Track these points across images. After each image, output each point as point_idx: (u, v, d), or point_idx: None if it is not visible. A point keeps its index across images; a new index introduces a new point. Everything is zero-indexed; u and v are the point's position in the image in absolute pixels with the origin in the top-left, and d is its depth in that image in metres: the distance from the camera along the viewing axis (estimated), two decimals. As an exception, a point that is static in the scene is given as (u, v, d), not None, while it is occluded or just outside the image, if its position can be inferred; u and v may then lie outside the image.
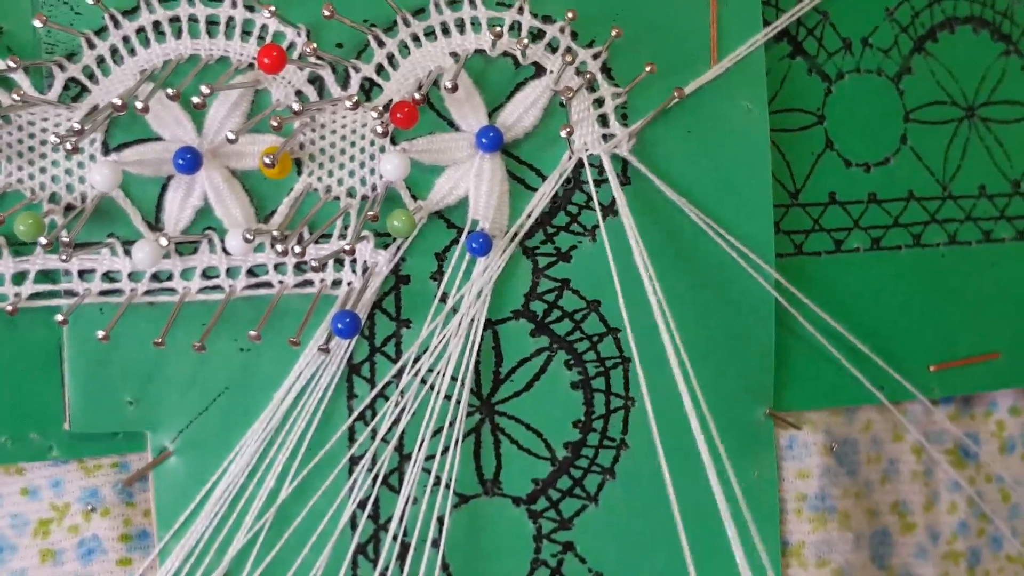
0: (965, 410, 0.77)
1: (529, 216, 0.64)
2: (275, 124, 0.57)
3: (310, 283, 0.61)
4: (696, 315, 0.66)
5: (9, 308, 0.57)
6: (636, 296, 0.65)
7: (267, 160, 0.56)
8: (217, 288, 0.60)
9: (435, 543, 0.63)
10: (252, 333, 0.58)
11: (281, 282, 0.61)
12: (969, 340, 0.75)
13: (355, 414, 0.62)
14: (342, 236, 0.61)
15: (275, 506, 0.61)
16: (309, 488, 0.61)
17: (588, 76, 0.62)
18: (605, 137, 0.64)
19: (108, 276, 0.59)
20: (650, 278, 0.62)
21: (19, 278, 0.58)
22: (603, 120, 0.64)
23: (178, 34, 0.59)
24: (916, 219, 0.73)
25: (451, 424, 0.63)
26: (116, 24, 0.58)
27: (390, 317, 0.62)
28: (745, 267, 0.66)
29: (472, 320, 0.63)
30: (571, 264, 0.65)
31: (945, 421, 0.75)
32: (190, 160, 0.57)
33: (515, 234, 0.63)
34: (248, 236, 0.58)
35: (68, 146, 0.55)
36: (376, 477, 0.62)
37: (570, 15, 0.62)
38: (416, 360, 0.63)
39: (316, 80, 0.61)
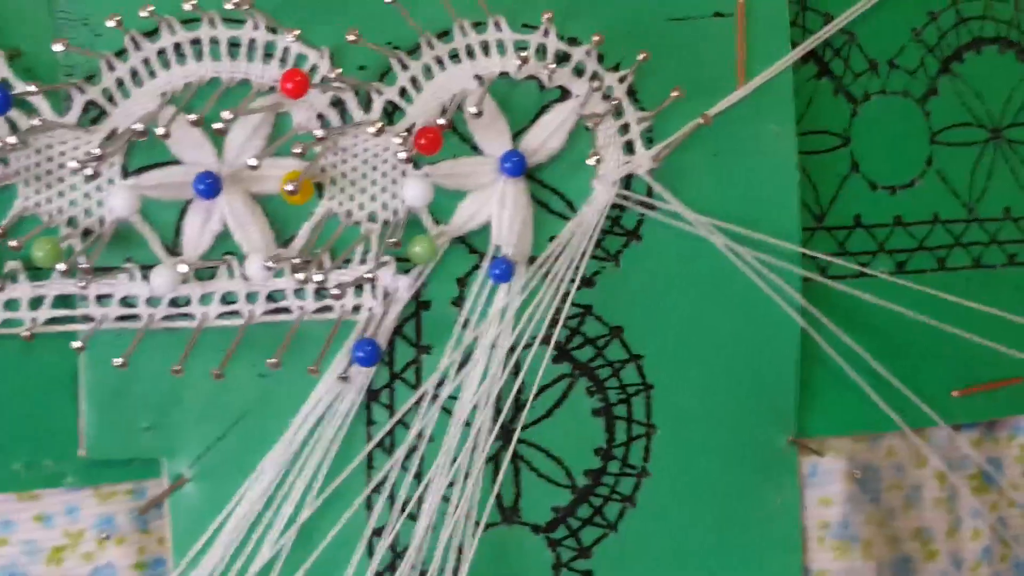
0: (988, 435, 0.76)
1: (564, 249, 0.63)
2: (298, 150, 0.56)
3: (330, 309, 0.60)
4: (720, 340, 0.65)
5: (26, 333, 0.57)
6: (659, 323, 0.64)
7: (290, 187, 0.56)
8: (236, 314, 0.60)
9: (455, 572, 0.62)
10: (271, 360, 0.58)
11: (301, 308, 0.60)
12: (992, 364, 0.74)
13: (374, 441, 0.61)
14: (363, 261, 0.60)
15: (292, 533, 0.60)
16: (327, 516, 0.61)
17: (614, 103, 0.61)
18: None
19: (126, 301, 0.58)
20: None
21: (36, 303, 0.57)
22: (629, 146, 0.63)
23: (199, 56, 0.58)
24: (941, 243, 0.73)
25: (471, 451, 0.62)
26: (136, 46, 0.58)
27: (410, 343, 0.62)
28: (770, 292, 0.65)
29: (493, 346, 0.62)
30: (594, 290, 0.64)
31: (967, 446, 0.74)
32: (210, 185, 0.56)
33: (539, 262, 0.63)
34: (270, 264, 0.57)
35: (88, 171, 0.54)
36: (395, 505, 0.62)
37: (596, 38, 0.61)
38: (436, 387, 0.62)
39: (338, 103, 0.60)
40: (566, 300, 0.63)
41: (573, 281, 0.63)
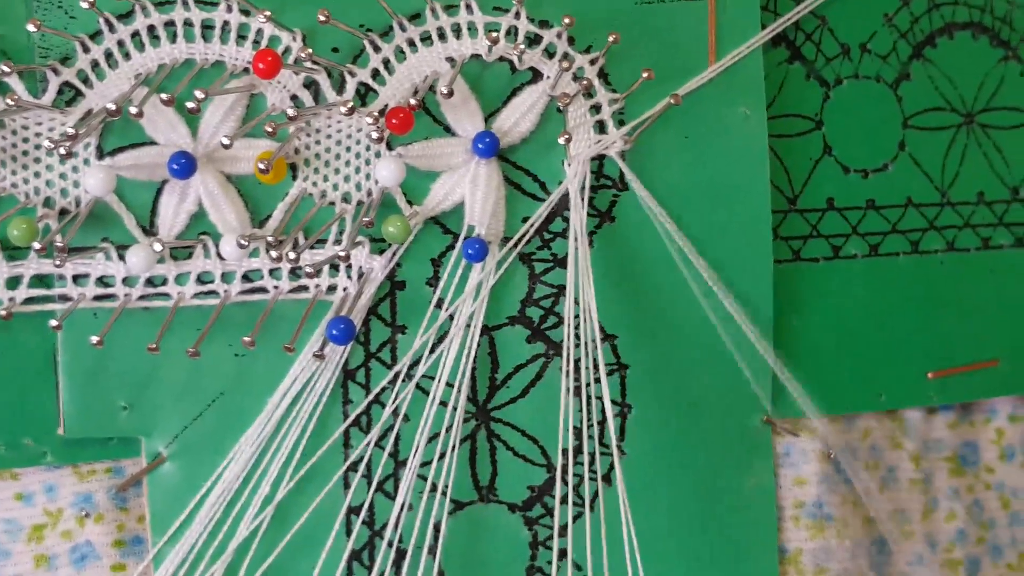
0: (964, 417, 0.76)
1: (531, 225, 0.64)
2: (270, 129, 0.57)
3: (305, 288, 0.61)
4: (694, 320, 0.66)
5: (3, 313, 0.57)
6: (633, 303, 0.64)
7: (262, 165, 0.56)
8: (212, 293, 0.60)
9: (431, 550, 0.62)
10: (247, 339, 0.58)
11: (276, 287, 0.61)
12: (968, 347, 0.74)
13: (350, 420, 0.62)
14: (337, 241, 0.61)
15: (269, 512, 0.60)
16: (304, 494, 0.61)
17: (585, 82, 0.62)
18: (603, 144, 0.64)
19: (102, 281, 0.59)
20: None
21: (13, 283, 0.58)
22: (600, 126, 0.64)
23: (173, 38, 0.59)
24: (914, 226, 0.73)
25: (447, 430, 0.63)
26: (111, 28, 0.58)
27: (385, 323, 0.62)
28: (741, 276, 0.66)
29: (468, 326, 0.63)
30: (567, 270, 0.64)
31: (943, 429, 0.75)
32: (185, 165, 0.57)
33: (513, 242, 0.63)
34: (243, 242, 0.57)
35: (62, 151, 0.55)
36: (371, 483, 0.62)
37: (567, 20, 0.62)
38: (412, 366, 0.62)
39: (311, 85, 0.60)
40: (539, 280, 0.64)
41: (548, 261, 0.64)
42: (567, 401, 0.63)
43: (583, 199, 0.64)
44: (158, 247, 0.58)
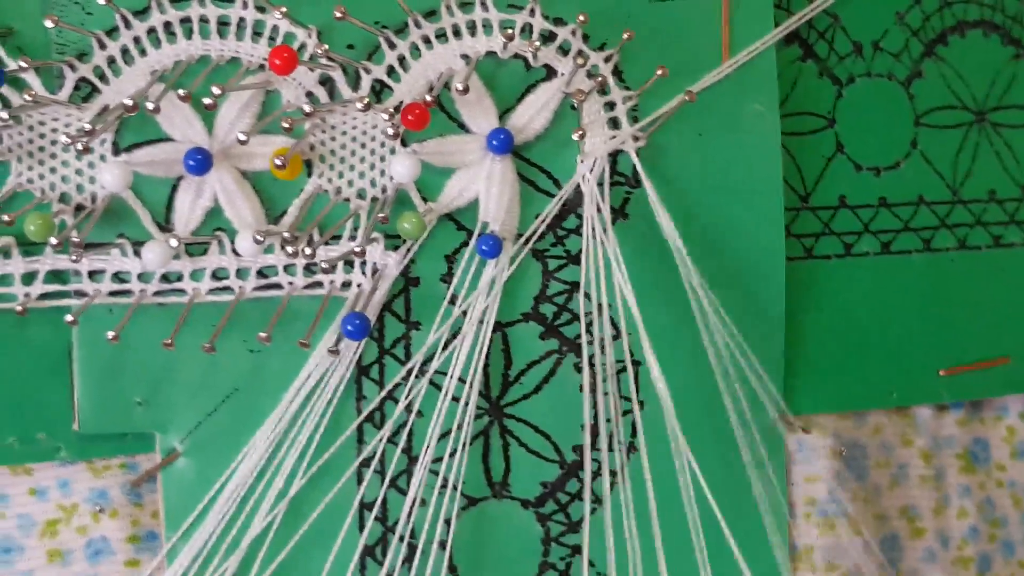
0: (974, 415, 0.76)
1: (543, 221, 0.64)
2: (286, 126, 0.57)
3: (320, 285, 0.61)
4: (705, 317, 0.66)
5: (19, 308, 0.57)
6: (646, 299, 0.64)
7: (278, 161, 0.56)
8: (227, 289, 0.60)
9: (443, 545, 0.63)
10: (262, 335, 0.58)
11: (291, 283, 0.61)
12: (979, 345, 0.75)
13: (364, 415, 0.62)
14: (352, 238, 0.61)
15: (283, 507, 0.61)
16: (317, 489, 0.61)
17: (600, 79, 0.62)
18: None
19: (118, 277, 0.59)
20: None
21: (29, 278, 0.58)
22: (614, 123, 0.64)
23: (189, 35, 0.59)
24: (926, 224, 0.73)
25: (459, 426, 0.63)
26: (127, 24, 0.58)
27: (399, 319, 0.62)
28: (754, 272, 0.66)
29: (481, 322, 0.63)
30: (581, 266, 0.64)
31: (954, 426, 0.75)
32: (201, 161, 0.57)
33: (526, 238, 0.63)
34: (258, 237, 0.58)
35: (79, 146, 0.55)
36: (384, 479, 0.62)
37: (581, 18, 0.62)
38: (425, 362, 0.62)
39: (327, 81, 0.61)
40: (552, 277, 0.64)
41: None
42: (583, 396, 0.63)
43: (600, 195, 0.64)
44: (174, 243, 0.58)
